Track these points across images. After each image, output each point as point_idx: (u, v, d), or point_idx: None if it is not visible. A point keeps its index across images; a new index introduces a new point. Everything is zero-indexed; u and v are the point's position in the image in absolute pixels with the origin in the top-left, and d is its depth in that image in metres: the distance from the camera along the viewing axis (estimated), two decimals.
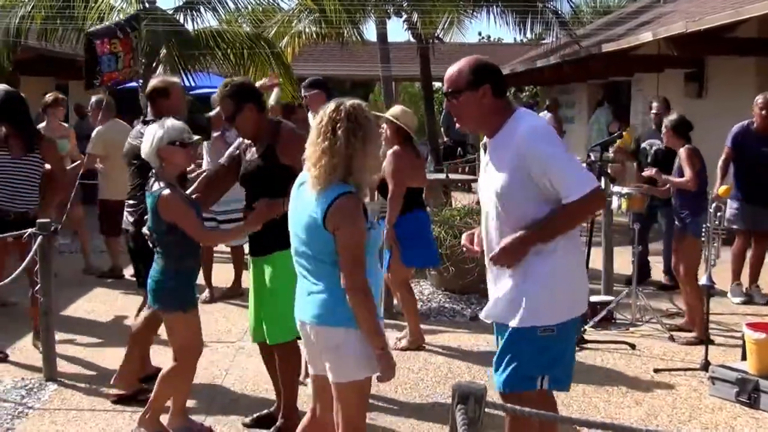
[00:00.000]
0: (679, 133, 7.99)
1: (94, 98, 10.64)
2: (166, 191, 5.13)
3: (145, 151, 5.27)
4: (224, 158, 6.01)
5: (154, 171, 5.31)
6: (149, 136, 5.26)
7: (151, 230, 5.37)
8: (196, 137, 5.42)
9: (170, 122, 5.33)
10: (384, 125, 7.30)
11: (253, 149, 5.54)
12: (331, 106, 4.07)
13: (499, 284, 4.21)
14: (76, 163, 10.03)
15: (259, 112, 5.48)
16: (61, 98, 10.68)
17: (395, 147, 7.40)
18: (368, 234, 4.08)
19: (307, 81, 8.55)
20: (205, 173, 5.88)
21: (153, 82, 6.54)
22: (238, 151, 5.77)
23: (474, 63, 4.17)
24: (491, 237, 4.24)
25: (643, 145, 9.88)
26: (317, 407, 4.42)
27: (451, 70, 4.20)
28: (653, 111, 10.24)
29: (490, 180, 4.17)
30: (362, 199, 4.14)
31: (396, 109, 7.64)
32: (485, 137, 4.26)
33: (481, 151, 4.33)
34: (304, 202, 4.13)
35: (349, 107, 4.03)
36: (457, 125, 4.43)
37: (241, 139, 5.75)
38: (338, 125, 3.98)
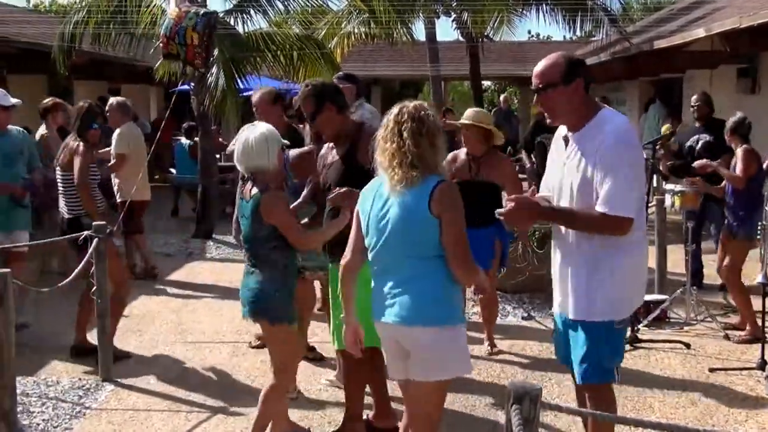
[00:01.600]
0: (739, 135, 8.02)
1: (114, 100, 10.57)
2: (269, 192, 4.95)
3: (259, 158, 4.94)
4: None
5: (249, 176, 5.02)
6: (259, 141, 4.95)
7: (247, 239, 5.09)
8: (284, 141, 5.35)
9: (270, 126, 5.17)
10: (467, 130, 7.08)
11: (334, 152, 5.57)
12: (394, 110, 4.19)
13: (569, 278, 4.23)
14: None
15: (339, 112, 5.52)
16: (59, 103, 10.25)
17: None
18: None
19: (342, 74, 8.52)
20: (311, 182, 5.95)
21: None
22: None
23: (568, 58, 4.20)
24: (563, 231, 4.26)
25: (689, 143, 9.70)
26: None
27: (543, 64, 4.20)
28: (692, 104, 9.92)
29: (568, 173, 4.18)
30: None
31: (475, 112, 7.31)
32: (565, 130, 4.26)
33: (561, 142, 4.32)
34: (394, 201, 4.11)
35: (411, 108, 4.15)
36: (548, 120, 4.39)
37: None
38: (403, 127, 4.09)
